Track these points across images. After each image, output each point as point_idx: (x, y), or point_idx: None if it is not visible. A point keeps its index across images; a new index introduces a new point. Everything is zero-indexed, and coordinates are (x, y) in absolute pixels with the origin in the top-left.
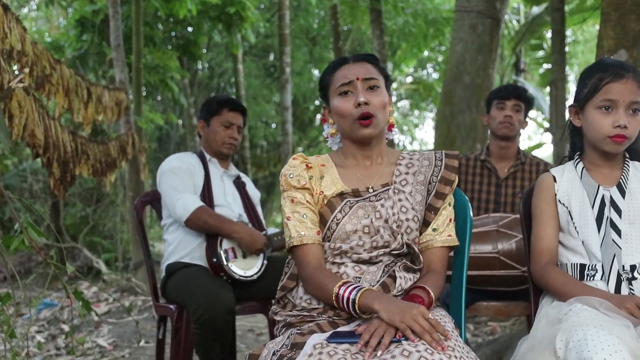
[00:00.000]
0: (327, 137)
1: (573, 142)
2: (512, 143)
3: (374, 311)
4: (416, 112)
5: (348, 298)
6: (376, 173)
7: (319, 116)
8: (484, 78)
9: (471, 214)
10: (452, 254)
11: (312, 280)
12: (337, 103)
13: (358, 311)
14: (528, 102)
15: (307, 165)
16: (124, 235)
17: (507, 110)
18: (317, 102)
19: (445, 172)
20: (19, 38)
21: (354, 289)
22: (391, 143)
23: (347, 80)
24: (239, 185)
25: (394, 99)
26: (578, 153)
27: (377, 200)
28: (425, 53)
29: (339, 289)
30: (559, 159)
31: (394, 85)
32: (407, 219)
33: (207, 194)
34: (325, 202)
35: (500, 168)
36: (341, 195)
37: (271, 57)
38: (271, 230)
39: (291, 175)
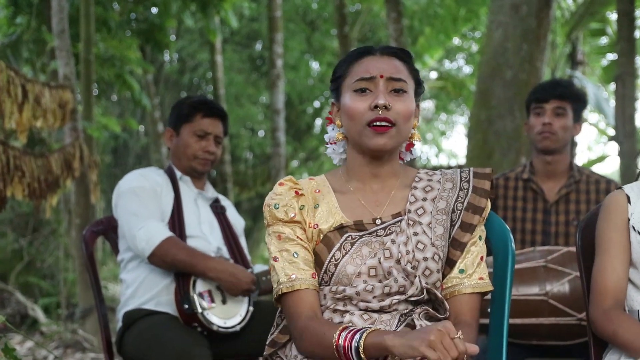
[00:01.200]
0: (329, 143)
1: None
2: (560, 156)
3: (386, 349)
4: (443, 115)
5: (350, 346)
6: (385, 200)
7: (318, 121)
8: (529, 73)
9: (513, 247)
10: (488, 296)
11: (306, 334)
12: (348, 101)
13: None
14: (577, 99)
15: (296, 192)
16: (68, 275)
17: (546, 116)
18: (316, 104)
19: (473, 197)
20: None
21: (356, 332)
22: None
23: (369, 75)
24: (218, 210)
25: None
26: None
27: (387, 235)
28: (455, 41)
29: (339, 338)
30: (627, 175)
31: None
32: (425, 258)
33: (177, 221)
34: (321, 238)
35: (548, 189)
36: (341, 228)
37: (258, 46)
38: (258, 267)
39: (277, 206)
